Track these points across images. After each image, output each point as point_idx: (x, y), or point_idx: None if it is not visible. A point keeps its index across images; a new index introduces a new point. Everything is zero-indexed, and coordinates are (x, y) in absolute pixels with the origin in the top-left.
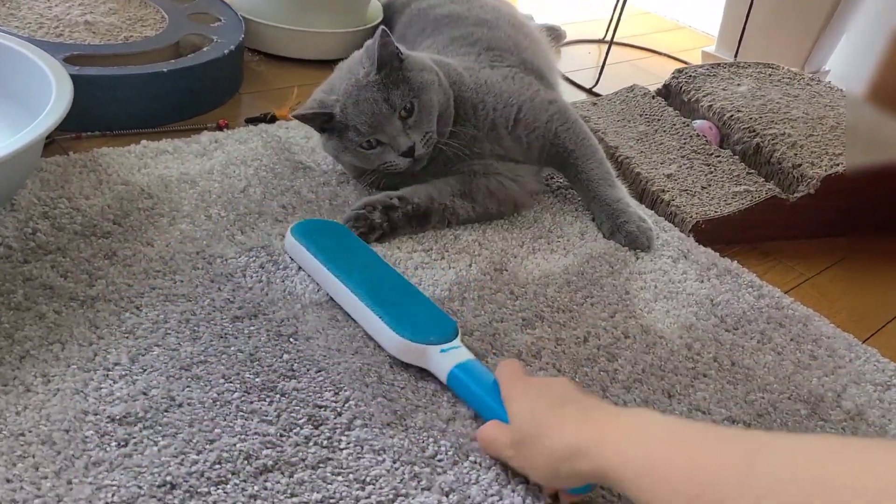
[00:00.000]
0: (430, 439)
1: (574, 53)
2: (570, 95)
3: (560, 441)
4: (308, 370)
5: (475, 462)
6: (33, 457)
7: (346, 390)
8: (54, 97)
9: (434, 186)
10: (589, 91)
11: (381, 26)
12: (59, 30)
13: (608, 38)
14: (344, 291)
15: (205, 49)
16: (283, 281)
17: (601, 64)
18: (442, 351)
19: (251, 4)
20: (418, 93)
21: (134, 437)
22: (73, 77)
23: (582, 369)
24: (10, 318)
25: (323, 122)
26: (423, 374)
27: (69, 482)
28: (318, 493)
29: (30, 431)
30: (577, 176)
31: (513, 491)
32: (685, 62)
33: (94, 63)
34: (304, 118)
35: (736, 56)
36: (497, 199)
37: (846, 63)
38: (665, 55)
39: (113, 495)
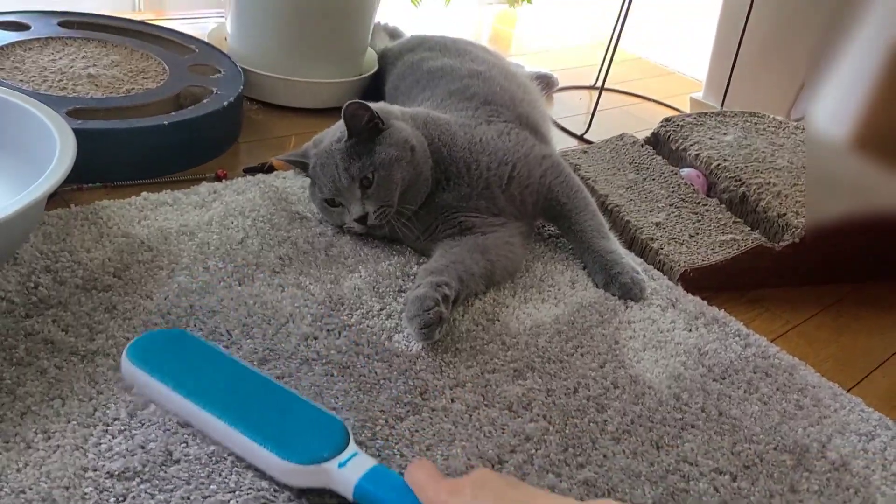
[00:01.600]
0: None
1: (565, 100)
2: (561, 142)
3: None
4: None
5: None
6: None
7: None
8: (58, 155)
9: (461, 265)
10: (580, 138)
11: (351, 101)
12: (62, 83)
13: (599, 84)
14: (206, 418)
15: (205, 101)
16: (277, 334)
17: (592, 110)
18: (340, 465)
19: (250, 56)
20: (378, 168)
21: (132, 492)
22: (75, 131)
23: (572, 420)
24: (12, 374)
25: (301, 168)
26: (416, 427)
27: None
28: None
29: (30, 489)
30: (570, 228)
31: None
32: (674, 108)
33: (97, 116)
34: (285, 160)
35: (723, 102)
36: (508, 273)
37: (829, 109)
38: (655, 101)
39: None
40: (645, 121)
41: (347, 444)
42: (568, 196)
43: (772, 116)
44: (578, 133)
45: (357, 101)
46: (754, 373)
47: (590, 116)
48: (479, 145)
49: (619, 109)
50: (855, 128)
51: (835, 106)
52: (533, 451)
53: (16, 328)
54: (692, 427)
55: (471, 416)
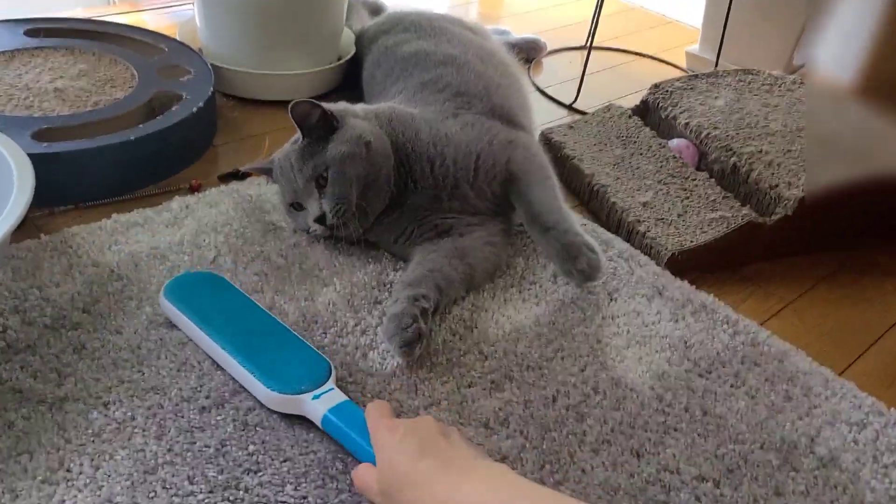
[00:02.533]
0: None
1: (555, 65)
2: (550, 113)
3: (418, 498)
4: (273, 461)
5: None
6: None
7: (308, 483)
8: (13, 197)
9: (439, 273)
10: (569, 107)
11: (298, 101)
12: (28, 101)
13: (589, 45)
14: (215, 348)
15: (174, 108)
16: None
17: (581, 76)
18: (314, 398)
19: (221, 50)
20: (331, 164)
21: None
22: (42, 155)
23: (549, 434)
24: None
25: (270, 175)
26: None
27: None
28: None
29: None
30: (520, 202)
31: None
32: (670, 63)
33: (64, 136)
34: (252, 169)
35: (718, 56)
36: (489, 274)
37: (833, 53)
38: (650, 57)
39: None
40: (639, 81)
41: (327, 380)
42: (524, 172)
43: (767, 73)
44: (567, 102)
45: (304, 99)
46: (742, 363)
47: (579, 83)
48: (443, 140)
49: (612, 70)
50: (860, 72)
51: (839, 49)
52: None
53: None
54: (675, 430)
55: None
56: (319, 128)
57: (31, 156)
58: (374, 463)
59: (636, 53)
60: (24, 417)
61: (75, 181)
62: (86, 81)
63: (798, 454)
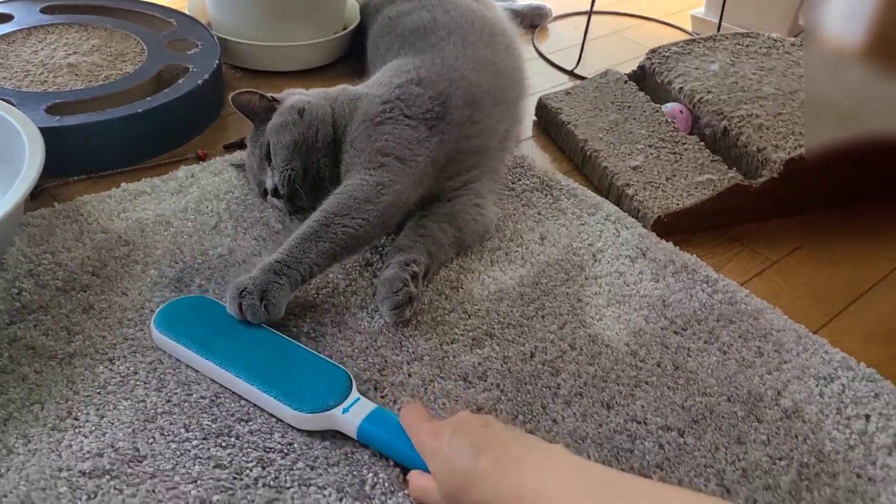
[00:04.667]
0: (370, 472)
1: (561, 30)
2: (551, 79)
3: (486, 492)
4: (262, 411)
5: (407, 494)
6: None
7: (294, 432)
8: (24, 170)
9: (429, 238)
10: (570, 73)
11: (236, 92)
12: (43, 76)
13: (590, 9)
14: (228, 377)
15: (179, 81)
16: None
17: (582, 41)
18: (344, 411)
19: (227, 23)
20: (269, 136)
21: (102, 489)
22: (54, 128)
23: (525, 387)
24: None
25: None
26: (374, 402)
27: None
28: None
29: (11, 493)
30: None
31: None
32: (675, 26)
33: (76, 109)
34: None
35: (721, 18)
36: (479, 236)
37: (839, 15)
38: (654, 20)
39: None
40: (642, 46)
41: (350, 391)
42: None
43: (766, 35)
44: (570, 68)
45: (243, 90)
46: (717, 321)
47: (580, 48)
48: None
49: (616, 35)
50: (868, 33)
51: (846, 9)
52: None
53: (0, 336)
54: (645, 384)
55: (426, 389)
56: (264, 111)
57: (44, 129)
58: (419, 467)
59: (641, 17)
60: (36, 371)
61: (87, 152)
62: (98, 56)
63: (763, 406)
